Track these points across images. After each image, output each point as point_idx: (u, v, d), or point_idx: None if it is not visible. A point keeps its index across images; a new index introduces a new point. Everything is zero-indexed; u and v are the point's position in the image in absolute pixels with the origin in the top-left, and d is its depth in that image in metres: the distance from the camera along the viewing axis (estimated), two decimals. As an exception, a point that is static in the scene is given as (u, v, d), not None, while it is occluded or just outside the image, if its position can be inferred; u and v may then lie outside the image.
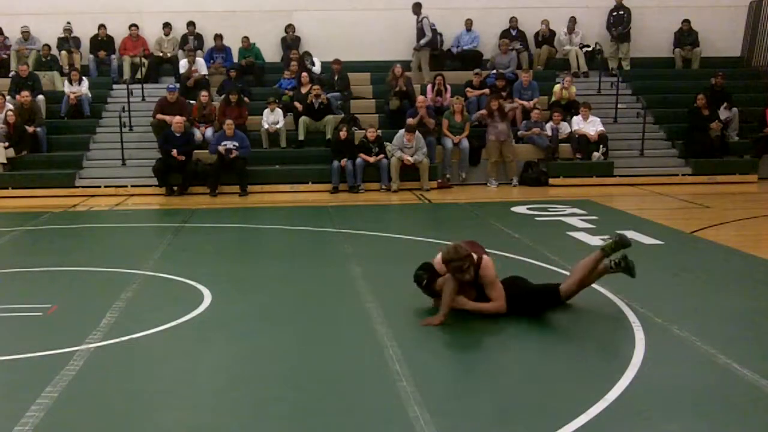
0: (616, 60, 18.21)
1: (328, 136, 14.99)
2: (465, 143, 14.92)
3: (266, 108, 15.26)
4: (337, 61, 16.45)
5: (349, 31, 17.99)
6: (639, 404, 4.37)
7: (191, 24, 17.82)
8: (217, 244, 9.63)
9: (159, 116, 14.86)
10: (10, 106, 14.89)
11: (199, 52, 17.34)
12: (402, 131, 14.34)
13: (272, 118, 15.20)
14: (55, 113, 15.98)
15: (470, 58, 17.68)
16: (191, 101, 15.50)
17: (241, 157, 13.99)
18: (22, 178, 14.42)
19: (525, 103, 15.93)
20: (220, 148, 13.89)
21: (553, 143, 15.07)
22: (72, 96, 15.89)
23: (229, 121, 14.16)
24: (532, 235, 9.30)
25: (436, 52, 17.78)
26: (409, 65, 17.07)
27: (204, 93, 15.29)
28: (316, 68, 17.07)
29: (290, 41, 17.86)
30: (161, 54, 17.68)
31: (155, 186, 14.18)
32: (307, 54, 17.40)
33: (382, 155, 14.25)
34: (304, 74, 15.87)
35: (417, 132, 14.32)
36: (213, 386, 4.74)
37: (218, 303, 6.53)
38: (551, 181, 14.72)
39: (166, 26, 17.79)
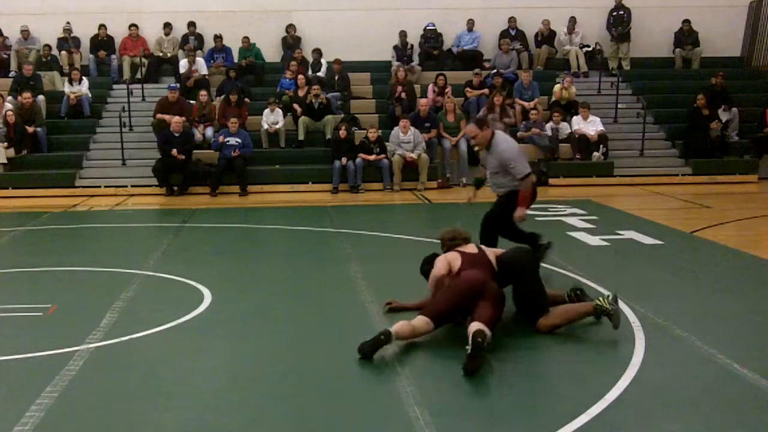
0: (616, 60, 18.21)
1: (328, 136, 14.99)
2: (463, 146, 14.87)
3: (266, 108, 15.27)
4: (337, 61, 16.45)
5: (349, 31, 17.99)
6: (639, 404, 4.37)
7: (191, 24, 17.82)
8: (217, 244, 9.64)
9: (159, 116, 14.85)
10: (10, 106, 14.88)
11: (199, 52, 17.34)
12: (396, 129, 14.38)
13: (272, 118, 15.21)
14: (55, 113, 15.98)
15: (470, 58, 17.68)
16: (191, 101, 15.50)
17: (243, 156, 14.02)
18: (22, 178, 14.42)
19: (525, 103, 15.93)
20: (221, 139, 13.95)
21: (553, 143, 15.07)
22: (72, 96, 15.89)
23: (233, 119, 14.20)
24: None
25: (436, 52, 17.81)
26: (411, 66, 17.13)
27: (203, 92, 15.29)
28: (322, 72, 17.00)
29: (291, 41, 17.86)
30: (161, 54, 17.68)
31: (155, 186, 14.18)
32: (317, 52, 17.28)
33: (383, 155, 14.26)
34: (301, 77, 15.88)
35: (414, 128, 14.36)
36: (213, 386, 4.74)
37: (218, 303, 6.53)
38: (551, 181, 14.71)
39: (166, 26, 17.80)
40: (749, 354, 5.10)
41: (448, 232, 6.14)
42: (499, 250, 6.11)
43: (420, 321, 5.38)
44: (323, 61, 17.19)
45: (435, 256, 6.13)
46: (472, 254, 5.83)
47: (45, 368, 4.97)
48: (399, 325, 5.29)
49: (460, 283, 5.55)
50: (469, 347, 4.83)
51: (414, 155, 14.18)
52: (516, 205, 6.96)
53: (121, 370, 5.03)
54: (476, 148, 7.11)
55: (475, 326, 5.03)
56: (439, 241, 6.20)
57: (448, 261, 5.78)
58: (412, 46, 17.67)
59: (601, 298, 5.69)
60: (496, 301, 5.45)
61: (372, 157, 14.18)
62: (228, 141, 14.09)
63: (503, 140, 7.05)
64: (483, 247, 6.04)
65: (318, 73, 16.87)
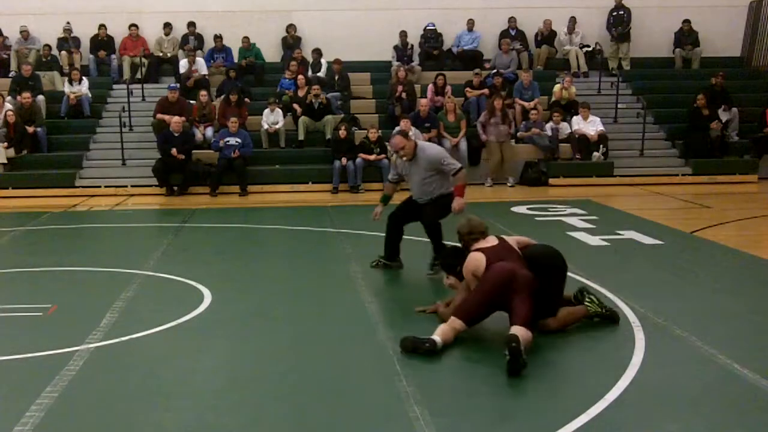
0: (616, 60, 18.21)
1: (328, 136, 14.99)
2: (463, 146, 14.88)
3: (266, 108, 15.26)
4: (337, 61, 16.45)
5: (349, 31, 17.99)
6: (639, 404, 4.37)
7: (191, 24, 17.81)
8: (217, 244, 9.63)
9: (159, 116, 14.85)
10: (10, 106, 14.88)
11: (199, 52, 17.34)
12: (397, 129, 14.36)
13: (272, 118, 15.20)
14: (55, 113, 15.98)
15: (470, 58, 17.68)
16: (191, 101, 15.50)
17: (243, 156, 14.02)
18: (22, 178, 14.41)
19: (525, 103, 15.93)
20: (222, 143, 13.93)
21: (553, 143, 15.07)
22: (72, 96, 15.89)
23: (233, 118, 14.20)
24: (531, 235, 9.13)
25: (436, 52, 17.82)
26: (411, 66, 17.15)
27: (203, 92, 15.29)
28: (322, 72, 17.00)
29: (291, 41, 17.86)
30: (161, 54, 17.67)
31: (155, 186, 14.18)
32: (316, 52, 17.27)
33: (383, 155, 14.25)
34: (301, 77, 15.88)
35: (415, 129, 14.35)
36: (213, 386, 4.74)
37: (218, 303, 6.53)
38: (551, 181, 14.71)
39: (166, 26, 17.79)
40: (749, 354, 5.10)
41: (464, 227, 5.96)
42: (522, 239, 6.00)
43: (455, 323, 5.32)
44: (323, 61, 17.18)
45: (456, 249, 6.00)
46: (493, 247, 5.67)
47: (45, 368, 4.97)
48: (443, 333, 5.23)
49: (489, 278, 5.41)
50: (507, 355, 4.75)
51: (413, 156, 14.17)
52: (446, 206, 7.18)
53: (121, 370, 5.03)
54: (404, 158, 7.28)
55: (516, 330, 4.95)
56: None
57: (471, 271, 5.59)
58: (412, 46, 17.68)
59: (589, 302, 5.77)
60: (531, 291, 5.31)
61: (372, 157, 14.18)
62: (228, 141, 14.09)
63: (428, 146, 7.46)
64: (502, 236, 5.90)
65: (318, 74, 16.86)
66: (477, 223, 5.96)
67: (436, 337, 5.20)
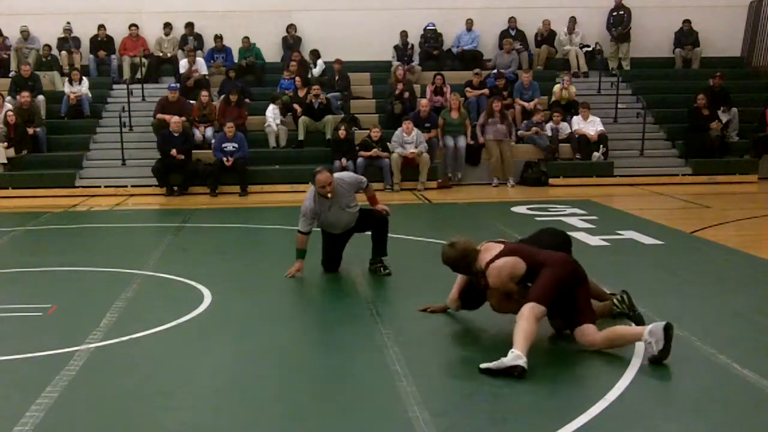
0: (616, 60, 18.22)
1: (328, 136, 14.99)
2: (462, 143, 14.89)
3: (269, 106, 15.16)
4: (338, 61, 16.46)
5: (349, 31, 18.00)
6: (639, 404, 4.37)
7: (189, 25, 17.81)
8: (217, 244, 9.63)
9: (159, 116, 14.86)
10: (10, 107, 14.88)
11: (199, 52, 17.34)
12: (399, 130, 14.36)
13: (277, 113, 15.17)
14: (55, 113, 15.99)
15: (470, 58, 17.68)
16: (191, 101, 15.50)
17: (242, 157, 14.02)
18: (22, 178, 14.42)
19: (525, 103, 15.93)
20: (224, 160, 13.91)
21: (553, 143, 15.07)
22: (72, 96, 15.89)
23: (230, 124, 14.18)
24: (532, 235, 9.28)
25: (436, 52, 17.82)
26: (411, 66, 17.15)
27: (204, 93, 15.29)
28: (316, 70, 17.06)
29: (291, 41, 17.87)
30: (161, 54, 17.68)
31: (155, 186, 14.18)
32: (314, 53, 17.32)
33: (385, 153, 14.23)
34: (298, 78, 15.88)
35: (417, 129, 14.36)
36: (213, 386, 4.74)
37: (218, 303, 6.52)
38: (551, 181, 14.72)
39: (166, 26, 17.80)
40: (749, 354, 5.10)
41: (450, 258, 5.41)
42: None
43: (537, 309, 4.95)
44: (320, 61, 17.20)
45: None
46: (508, 249, 5.30)
47: (45, 368, 4.97)
48: (527, 338, 4.82)
49: (556, 264, 5.13)
50: (661, 344, 4.78)
51: (416, 151, 14.16)
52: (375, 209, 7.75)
53: (121, 370, 5.02)
54: (329, 195, 7.25)
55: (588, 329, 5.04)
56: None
57: (508, 277, 5.19)
58: (412, 46, 17.69)
59: (616, 300, 5.72)
60: (587, 280, 5.31)
61: (372, 153, 14.14)
62: (225, 147, 14.06)
63: (337, 174, 7.66)
64: (495, 241, 5.53)
65: (315, 72, 16.86)
66: (461, 248, 5.36)
67: (520, 360, 4.68)
